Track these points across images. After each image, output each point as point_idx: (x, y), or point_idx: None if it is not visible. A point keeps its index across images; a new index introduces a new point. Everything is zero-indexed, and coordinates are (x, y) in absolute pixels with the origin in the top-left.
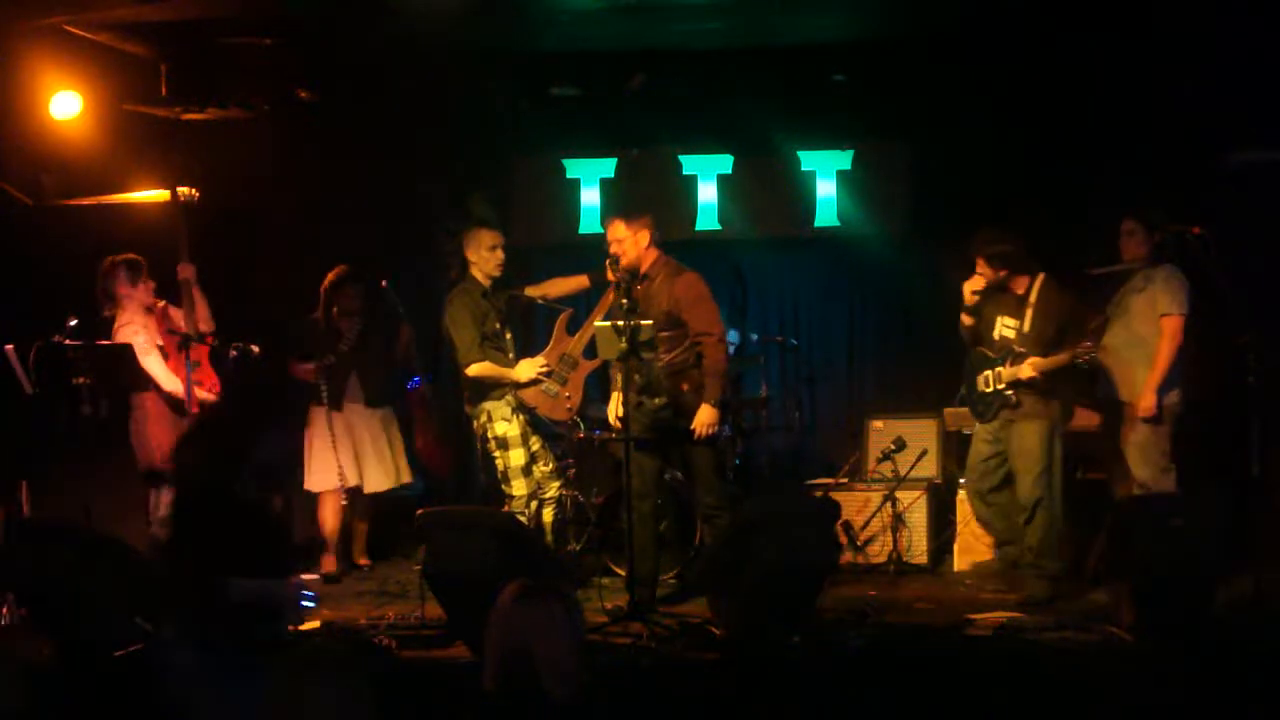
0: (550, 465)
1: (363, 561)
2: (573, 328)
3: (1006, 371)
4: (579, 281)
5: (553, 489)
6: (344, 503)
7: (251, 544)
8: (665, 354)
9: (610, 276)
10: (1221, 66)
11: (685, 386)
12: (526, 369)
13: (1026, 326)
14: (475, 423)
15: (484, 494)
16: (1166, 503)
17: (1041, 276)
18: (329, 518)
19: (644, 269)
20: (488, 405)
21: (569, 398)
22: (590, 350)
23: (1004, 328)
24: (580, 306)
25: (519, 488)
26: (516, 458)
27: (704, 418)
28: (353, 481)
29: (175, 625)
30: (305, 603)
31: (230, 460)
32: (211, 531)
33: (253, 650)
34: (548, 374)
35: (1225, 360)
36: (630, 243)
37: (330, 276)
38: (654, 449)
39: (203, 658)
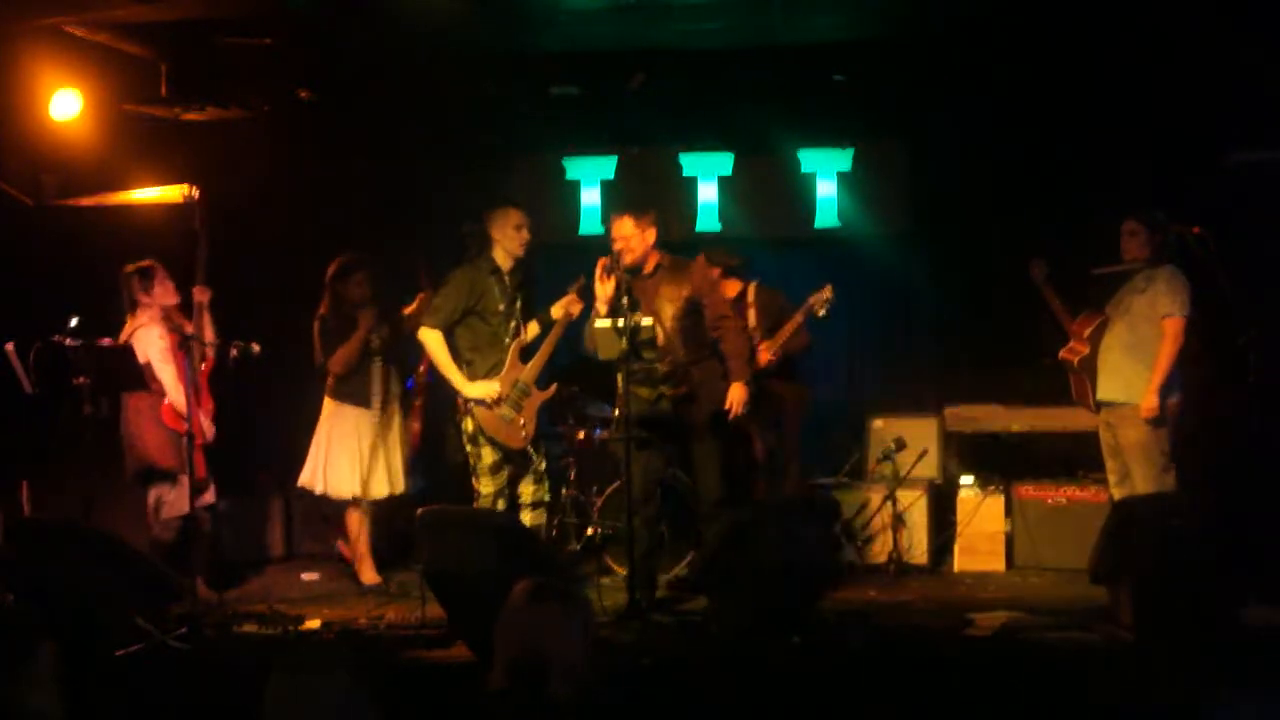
0: (531, 468)
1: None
2: (525, 356)
3: None
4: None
5: (528, 493)
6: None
7: None
8: (685, 343)
9: (599, 280)
10: (1221, 66)
11: (699, 376)
12: (478, 388)
13: (753, 322)
14: (456, 413)
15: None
16: (1166, 503)
17: (755, 283)
18: (355, 524)
19: (649, 267)
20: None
21: (524, 425)
22: (543, 381)
23: None
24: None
25: (486, 485)
26: (487, 455)
27: (736, 395)
28: (375, 493)
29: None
30: None
31: None
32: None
33: None
34: (496, 401)
35: (1225, 360)
36: (638, 240)
37: (332, 268)
38: (659, 448)
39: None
